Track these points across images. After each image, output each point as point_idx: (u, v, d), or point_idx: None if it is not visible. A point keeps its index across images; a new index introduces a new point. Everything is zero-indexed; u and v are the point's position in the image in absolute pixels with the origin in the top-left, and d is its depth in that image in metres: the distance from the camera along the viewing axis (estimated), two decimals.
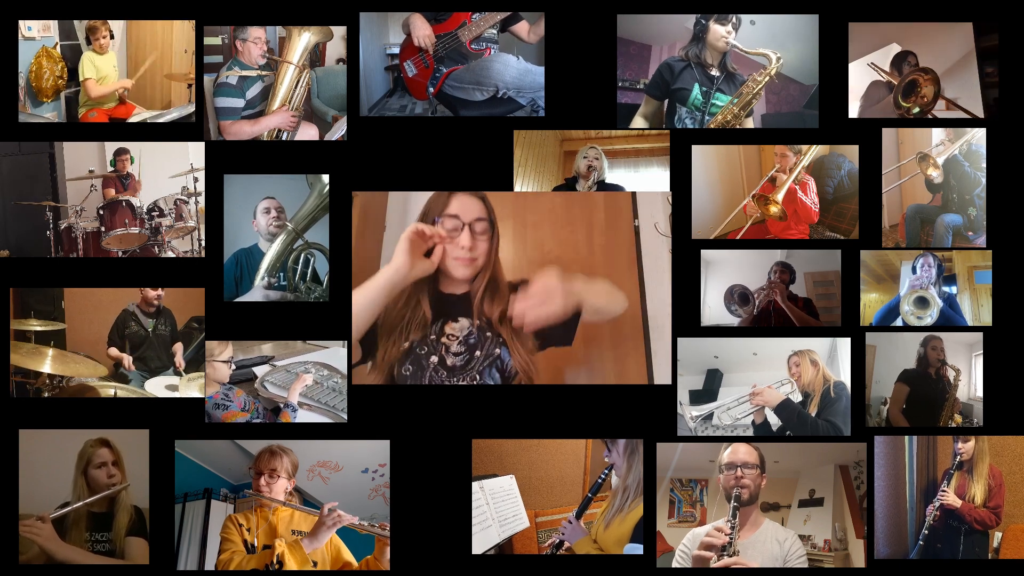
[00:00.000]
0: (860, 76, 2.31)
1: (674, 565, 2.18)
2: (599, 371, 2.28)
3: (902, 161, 2.32)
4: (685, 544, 2.15)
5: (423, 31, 2.37)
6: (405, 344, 2.00)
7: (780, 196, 2.32)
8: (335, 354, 2.30)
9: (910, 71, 2.29)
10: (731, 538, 2.07)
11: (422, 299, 2.00)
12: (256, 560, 2.10)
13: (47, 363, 2.25)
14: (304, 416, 2.26)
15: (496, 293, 2.02)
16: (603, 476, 2.20)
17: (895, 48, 2.32)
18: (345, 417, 2.25)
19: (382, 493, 2.26)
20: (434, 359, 2.02)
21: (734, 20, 2.31)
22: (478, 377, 2.05)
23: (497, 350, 2.04)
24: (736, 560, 2.06)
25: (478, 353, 2.04)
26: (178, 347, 2.35)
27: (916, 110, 2.29)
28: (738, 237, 2.33)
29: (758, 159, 2.36)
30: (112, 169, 2.41)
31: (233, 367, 2.27)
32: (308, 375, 2.28)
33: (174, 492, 2.23)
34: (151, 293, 2.35)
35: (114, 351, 2.36)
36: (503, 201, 2.30)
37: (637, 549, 2.17)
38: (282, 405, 2.25)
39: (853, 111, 2.31)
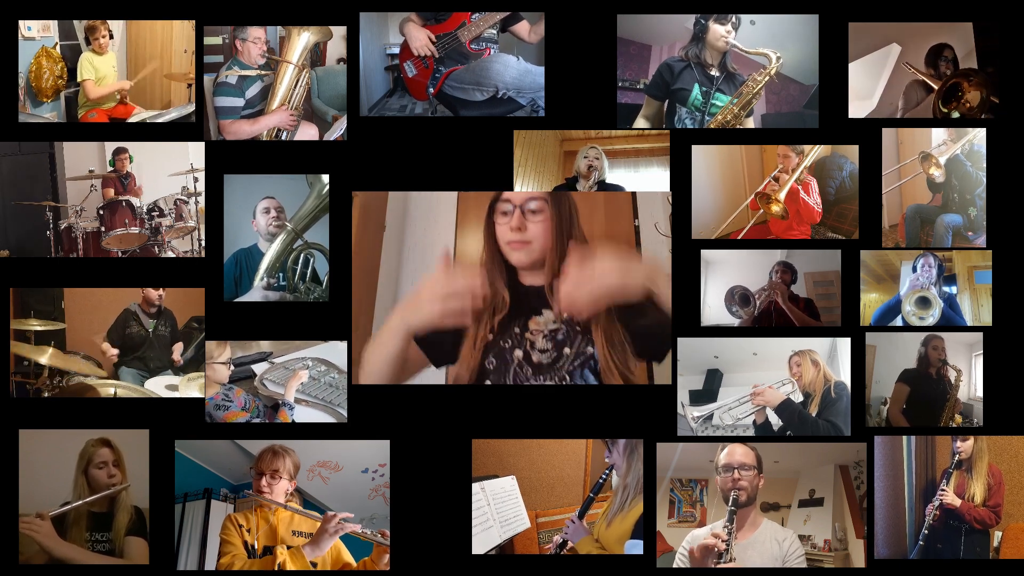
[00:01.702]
0: (869, 78, 2.32)
1: (674, 566, 2.20)
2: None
3: (904, 161, 2.33)
4: (684, 547, 2.16)
5: (420, 40, 2.39)
6: (491, 335, 1.90)
7: (782, 195, 2.34)
8: (333, 349, 2.31)
9: (952, 75, 2.27)
10: (728, 543, 2.08)
11: (498, 285, 1.90)
12: (258, 566, 2.11)
13: (46, 356, 2.27)
14: (303, 413, 2.28)
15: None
16: (604, 476, 2.22)
17: (895, 48, 2.33)
18: (344, 413, 2.27)
19: (382, 493, 2.27)
20: (519, 353, 1.91)
21: (734, 20, 2.32)
22: (568, 378, 1.92)
23: (590, 348, 1.90)
24: (732, 565, 2.08)
25: (567, 351, 1.91)
26: (178, 346, 2.38)
27: (956, 115, 2.29)
28: (739, 238, 2.35)
29: (760, 159, 2.38)
30: (111, 169, 2.42)
31: (232, 367, 2.29)
32: (304, 371, 2.29)
33: (174, 492, 2.24)
34: (152, 294, 2.37)
35: (105, 345, 2.37)
36: None
37: (638, 545, 2.19)
38: (280, 403, 2.27)
39: (862, 112, 2.32)
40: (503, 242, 1.93)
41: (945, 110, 2.26)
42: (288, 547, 2.13)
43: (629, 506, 2.20)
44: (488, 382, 1.93)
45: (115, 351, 2.37)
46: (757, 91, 2.33)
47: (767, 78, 2.32)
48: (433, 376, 2.06)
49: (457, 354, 1.95)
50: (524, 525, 2.27)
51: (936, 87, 2.28)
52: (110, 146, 2.40)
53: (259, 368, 2.35)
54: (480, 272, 1.86)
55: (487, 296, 1.82)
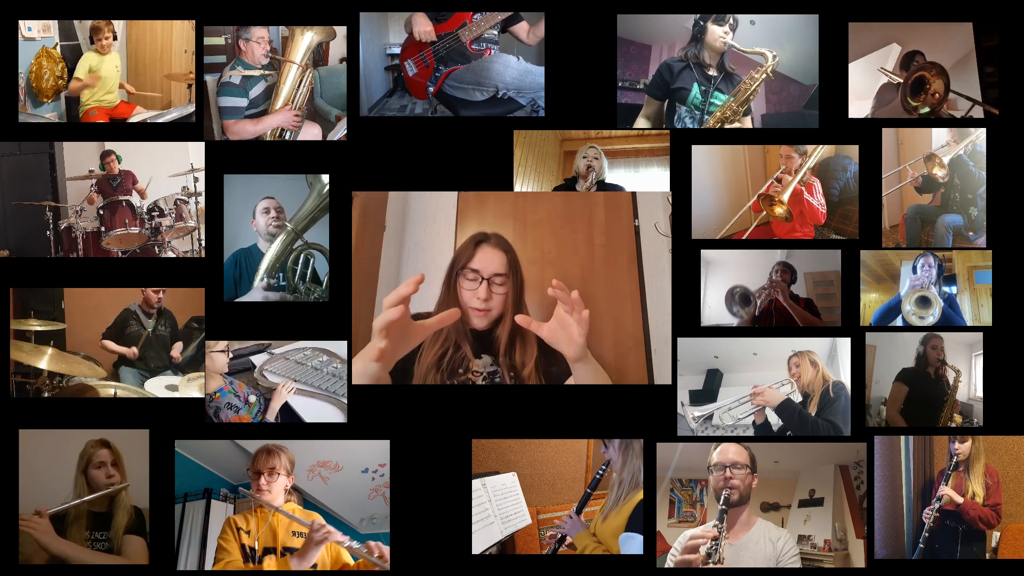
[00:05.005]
0: (868, 79, 2.38)
1: (667, 566, 2.25)
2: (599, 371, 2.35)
3: (907, 162, 2.38)
4: (675, 547, 2.22)
5: (423, 27, 2.44)
6: (438, 377, 2.17)
7: (786, 196, 2.39)
8: (333, 344, 2.36)
9: (916, 68, 2.35)
10: (717, 543, 2.13)
11: (461, 342, 2.19)
12: None
13: (45, 360, 2.32)
14: (304, 404, 2.32)
15: (525, 341, 2.19)
16: (601, 472, 2.28)
17: (895, 48, 2.39)
18: (345, 402, 2.33)
19: (382, 493, 2.33)
20: None
21: (731, 21, 2.39)
22: None
23: None
24: (721, 566, 2.13)
25: None
26: (177, 345, 2.43)
27: (925, 109, 2.35)
28: (743, 238, 2.40)
29: (763, 160, 2.43)
30: (102, 172, 2.48)
31: (231, 356, 2.34)
32: (288, 385, 2.33)
33: (174, 492, 2.30)
34: (152, 294, 2.42)
35: (111, 344, 2.42)
36: (503, 201, 2.37)
37: (632, 538, 2.23)
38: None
39: (859, 112, 2.38)
40: (467, 306, 2.17)
41: (914, 103, 2.35)
42: (283, 552, 2.20)
43: (624, 501, 2.25)
44: None
45: (121, 348, 2.42)
46: (755, 88, 2.39)
47: (764, 75, 2.38)
48: None
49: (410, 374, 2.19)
50: (525, 521, 2.31)
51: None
52: (110, 146, 2.46)
53: (258, 360, 2.39)
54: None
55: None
